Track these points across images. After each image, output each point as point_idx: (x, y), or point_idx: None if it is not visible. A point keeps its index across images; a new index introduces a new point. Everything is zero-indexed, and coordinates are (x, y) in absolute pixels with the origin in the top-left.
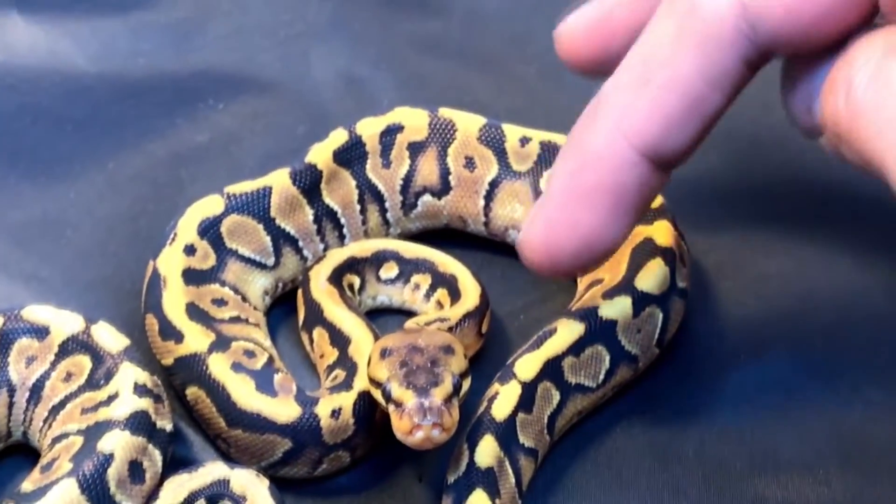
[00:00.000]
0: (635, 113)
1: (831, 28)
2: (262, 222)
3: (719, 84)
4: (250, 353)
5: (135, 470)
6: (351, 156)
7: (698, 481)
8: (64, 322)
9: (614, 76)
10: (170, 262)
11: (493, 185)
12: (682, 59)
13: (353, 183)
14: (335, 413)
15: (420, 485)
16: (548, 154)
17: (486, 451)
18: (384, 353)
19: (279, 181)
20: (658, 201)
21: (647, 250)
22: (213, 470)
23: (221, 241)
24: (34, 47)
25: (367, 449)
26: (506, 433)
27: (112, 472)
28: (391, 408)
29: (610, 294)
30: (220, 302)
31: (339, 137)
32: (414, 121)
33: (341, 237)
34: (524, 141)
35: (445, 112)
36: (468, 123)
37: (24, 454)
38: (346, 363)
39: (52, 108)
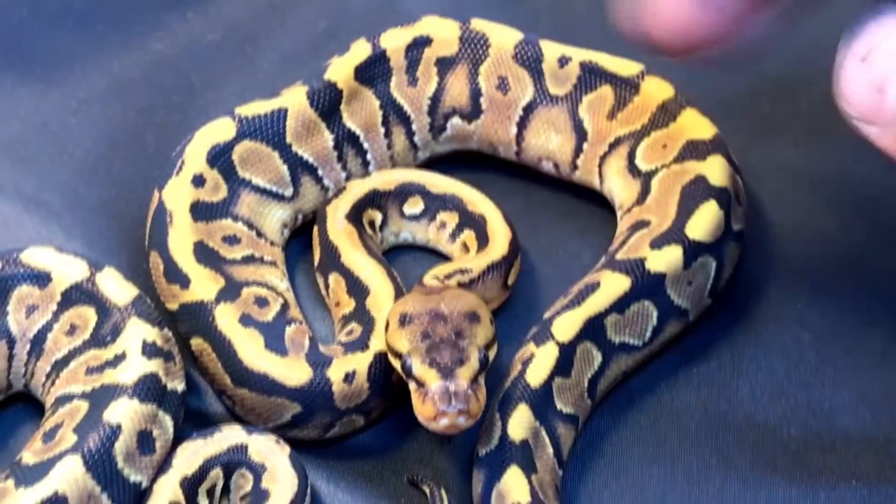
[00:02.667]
0: None
1: None
2: (278, 149)
3: None
4: (262, 301)
5: (144, 440)
6: (374, 73)
7: (748, 449)
8: (67, 268)
9: None
10: (177, 195)
11: (528, 110)
12: None
13: (377, 103)
14: (349, 377)
15: (449, 446)
16: (589, 76)
17: (520, 422)
18: (404, 320)
19: (296, 102)
20: (711, 132)
21: (699, 191)
22: (229, 435)
23: (233, 170)
24: None
25: (383, 411)
26: (541, 401)
27: (119, 446)
28: (412, 385)
29: (658, 243)
30: (233, 240)
31: (361, 51)
32: (443, 33)
33: (365, 164)
34: (564, 61)
35: (478, 24)
36: (503, 39)
37: (26, 403)
38: (364, 317)
39: None
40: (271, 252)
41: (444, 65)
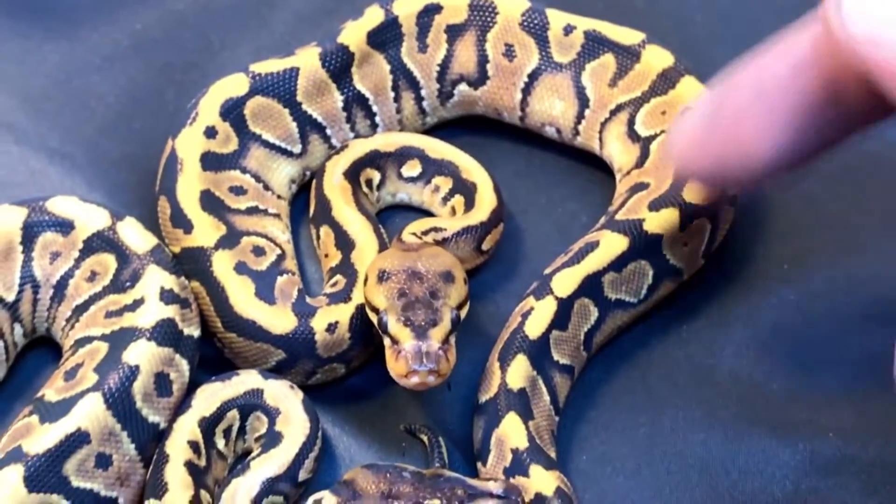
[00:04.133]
0: None
1: None
2: (288, 106)
3: None
4: (259, 251)
5: (161, 382)
6: (385, 37)
7: (733, 402)
8: (89, 217)
9: None
10: (188, 145)
11: (533, 76)
12: None
13: (387, 68)
14: (331, 327)
15: (448, 393)
16: (592, 44)
17: (519, 371)
18: (382, 277)
19: (308, 62)
20: None
21: None
22: (246, 379)
23: (245, 124)
24: None
25: (364, 360)
26: (539, 352)
27: (138, 386)
28: (387, 341)
29: (656, 205)
30: (239, 190)
31: (374, 16)
32: (453, 1)
33: (373, 126)
34: (568, 29)
35: None
36: (511, 7)
37: (48, 346)
38: (348, 269)
39: None
40: (277, 205)
41: (454, 32)
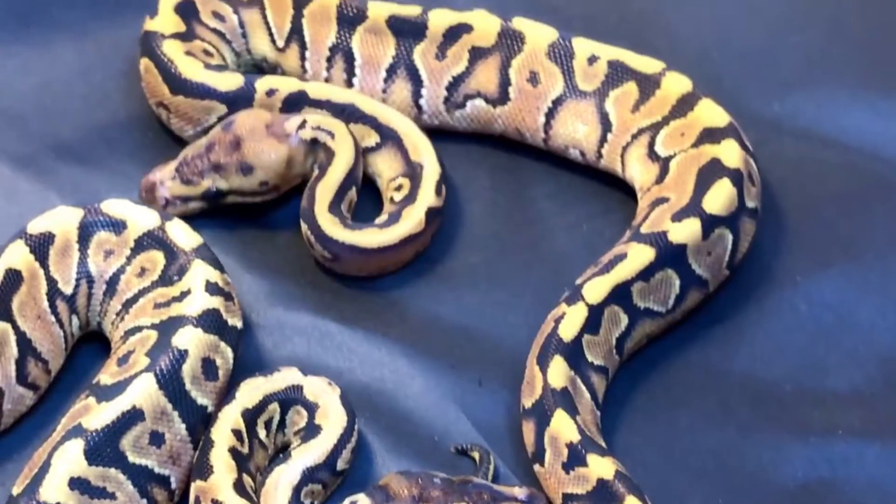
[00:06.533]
0: None
1: None
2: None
3: None
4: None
5: (208, 367)
6: (406, 29)
7: (747, 402)
8: (141, 217)
9: None
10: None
11: (557, 102)
12: None
13: (393, 52)
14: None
15: (480, 389)
16: (616, 73)
17: (558, 371)
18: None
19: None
20: (726, 120)
21: (713, 171)
22: (287, 376)
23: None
24: None
25: None
26: (574, 353)
27: (187, 368)
28: None
29: (678, 216)
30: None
31: (407, 8)
32: (485, 25)
33: (348, 83)
34: (593, 59)
35: (519, 22)
36: (538, 37)
37: (101, 342)
38: None
39: None
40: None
41: (477, 53)
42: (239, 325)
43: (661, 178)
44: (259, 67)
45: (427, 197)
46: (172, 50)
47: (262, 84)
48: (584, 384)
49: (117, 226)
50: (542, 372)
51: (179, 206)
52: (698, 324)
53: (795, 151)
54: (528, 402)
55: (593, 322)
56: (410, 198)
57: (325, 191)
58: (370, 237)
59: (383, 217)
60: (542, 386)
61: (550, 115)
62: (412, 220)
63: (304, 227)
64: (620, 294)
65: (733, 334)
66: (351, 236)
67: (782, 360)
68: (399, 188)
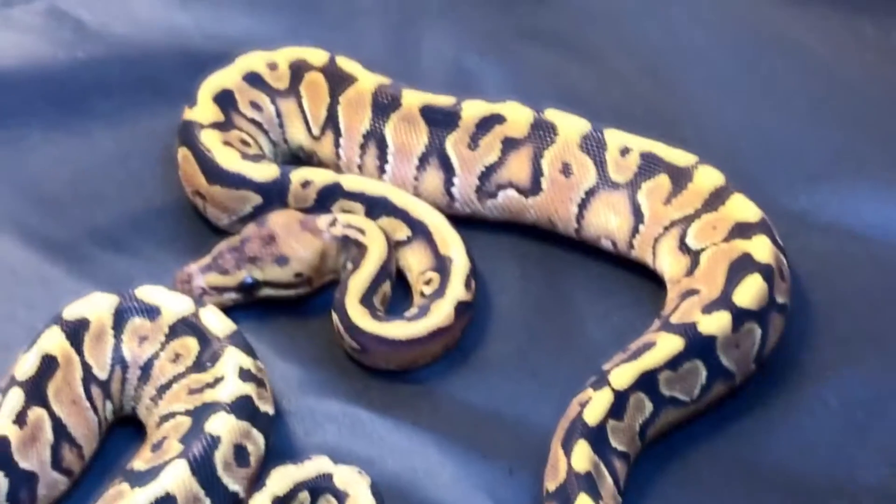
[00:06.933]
0: None
1: None
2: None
3: None
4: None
5: (240, 453)
6: (439, 119)
7: (777, 494)
8: (174, 303)
9: None
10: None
11: (590, 193)
12: None
13: (426, 140)
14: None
15: (511, 478)
16: (648, 165)
17: (582, 455)
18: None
19: (367, 80)
20: (758, 216)
21: (744, 265)
22: (317, 464)
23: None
24: (153, 21)
25: None
26: (598, 438)
27: (219, 455)
28: None
29: (709, 309)
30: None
31: (441, 98)
32: (517, 116)
33: (381, 170)
34: (625, 151)
35: (551, 114)
36: (570, 130)
37: (134, 426)
38: None
39: (171, 82)
40: None
41: (510, 144)
42: (271, 411)
43: (691, 271)
44: (295, 156)
45: (456, 291)
46: (210, 140)
47: (298, 175)
48: (608, 469)
49: (151, 312)
50: (566, 455)
51: (214, 297)
52: (728, 415)
53: (822, 245)
54: (551, 486)
55: (618, 408)
56: (440, 292)
57: (357, 283)
58: (397, 329)
59: (413, 310)
60: (566, 470)
61: (583, 205)
62: (441, 313)
63: (334, 317)
64: (647, 381)
65: (763, 427)
66: (378, 327)
67: (812, 453)
68: (429, 282)
